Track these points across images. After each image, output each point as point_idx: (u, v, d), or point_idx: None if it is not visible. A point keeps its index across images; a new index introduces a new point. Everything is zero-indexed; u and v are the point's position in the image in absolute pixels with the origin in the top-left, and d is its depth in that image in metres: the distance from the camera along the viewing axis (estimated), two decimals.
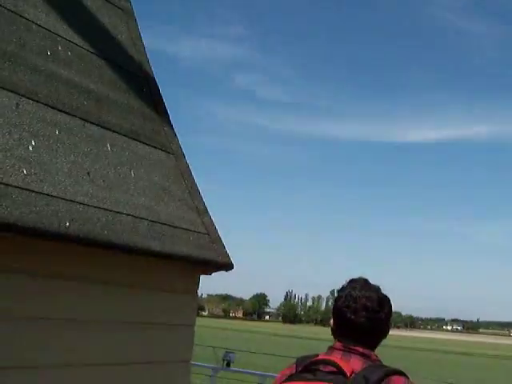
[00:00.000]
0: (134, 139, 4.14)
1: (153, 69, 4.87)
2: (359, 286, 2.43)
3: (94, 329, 3.54)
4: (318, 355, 2.40)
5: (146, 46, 4.93)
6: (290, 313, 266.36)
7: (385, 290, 2.47)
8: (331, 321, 2.49)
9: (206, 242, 4.17)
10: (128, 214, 3.63)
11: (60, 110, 3.63)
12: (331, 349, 2.41)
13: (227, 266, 4.28)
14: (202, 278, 4.38)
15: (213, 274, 4.42)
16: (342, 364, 2.24)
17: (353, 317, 2.36)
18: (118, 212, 3.57)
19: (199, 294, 4.88)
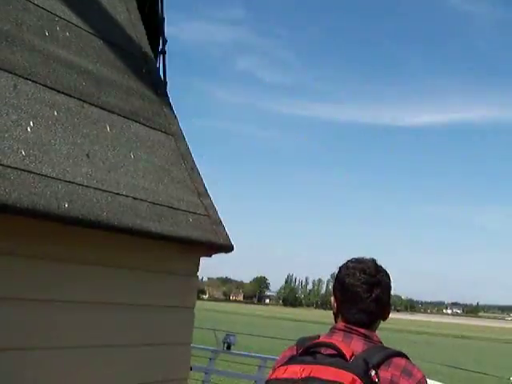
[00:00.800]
0: (133, 120, 4.11)
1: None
2: (355, 259, 2.48)
3: (92, 311, 3.54)
4: (318, 337, 2.40)
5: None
6: (291, 296, 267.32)
7: None
8: (332, 298, 2.49)
9: (206, 223, 4.15)
10: (127, 196, 3.61)
11: (58, 91, 3.60)
12: (333, 330, 2.42)
13: (227, 247, 4.27)
14: (203, 261, 4.37)
15: (213, 257, 4.41)
16: (342, 346, 2.24)
17: (351, 280, 2.38)
18: (117, 193, 3.55)
19: (200, 278, 4.88)
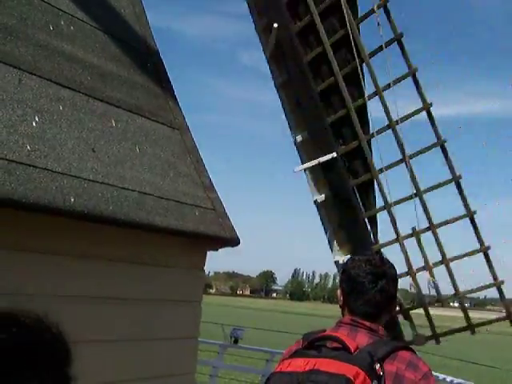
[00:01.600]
0: (138, 114, 4.10)
1: (158, 45, 4.81)
2: (361, 254, 2.52)
3: (98, 305, 3.54)
4: (324, 330, 2.40)
5: (150, 22, 4.87)
6: (298, 290, 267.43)
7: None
8: (338, 291, 2.49)
9: (212, 217, 4.15)
10: (133, 190, 3.61)
11: (63, 86, 3.59)
12: (339, 324, 2.42)
13: (233, 241, 4.26)
14: (209, 255, 4.36)
15: (219, 251, 4.41)
16: (347, 340, 2.24)
17: (357, 271, 2.39)
18: (123, 188, 3.54)
19: (206, 272, 4.87)
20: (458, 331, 5.22)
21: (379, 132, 4.99)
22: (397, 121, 4.91)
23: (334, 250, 5.05)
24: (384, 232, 4.79)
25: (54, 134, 3.32)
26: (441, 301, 5.02)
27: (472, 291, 5.21)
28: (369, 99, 4.98)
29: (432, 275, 4.85)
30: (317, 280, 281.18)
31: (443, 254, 4.89)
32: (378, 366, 2.14)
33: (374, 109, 5.05)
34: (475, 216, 4.92)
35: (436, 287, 4.85)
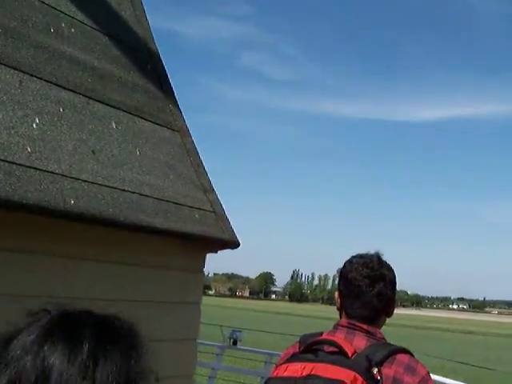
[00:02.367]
0: (138, 116, 4.11)
1: (158, 47, 4.83)
2: (359, 254, 2.48)
3: (96, 307, 3.53)
4: (321, 333, 2.40)
5: (151, 24, 4.88)
6: (297, 292, 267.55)
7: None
8: (336, 293, 2.49)
9: (211, 219, 4.16)
10: (133, 192, 3.62)
11: (64, 88, 3.60)
12: (336, 326, 2.41)
13: (233, 243, 4.27)
14: (209, 256, 4.37)
15: (219, 253, 4.42)
16: (344, 344, 2.23)
17: (354, 274, 2.38)
18: (123, 190, 3.55)
19: (205, 273, 4.88)
20: None
21: None
22: None
23: None
24: None
25: (55, 136, 3.33)
26: None
27: None
28: None
29: None
30: (316, 281, 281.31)
31: None
32: (375, 371, 2.14)
33: None
34: None
35: None
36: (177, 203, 3.93)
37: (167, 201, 3.86)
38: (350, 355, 2.17)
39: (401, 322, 73.11)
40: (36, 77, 3.44)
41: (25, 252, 3.12)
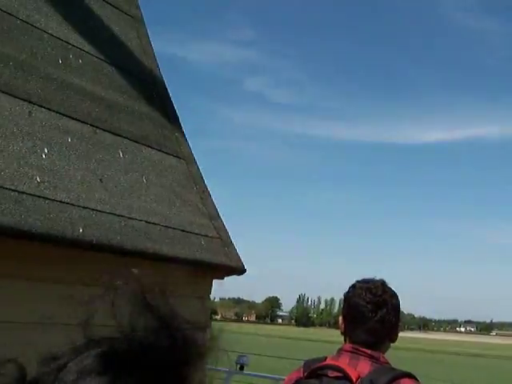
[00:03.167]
0: (145, 145, 4.17)
1: (163, 73, 4.91)
2: (363, 280, 2.50)
3: (105, 333, 3.56)
4: (325, 358, 2.41)
5: (156, 50, 4.97)
6: (303, 316, 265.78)
7: (397, 292, 2.51)
8: (340, 318, 2.51)
9: (217, 246, 4.19)
10: (140, 220, 3.66)
11: (72, 118, 3.67)
12: (340, 351, 2.42)
13: (239, 270, 4.30)
14: (215, 282, 4.39)
15: (225, 278, 4.44)
16: (349, 369, 2.24)
17: (357, 300, 2.40)
18: (130, 218, 3.60)
19: (212, 298, 4.89)
20: None
21: None
22: None
23: None
24: None
25: (63, 166, 3.39)
26: None
27: None
28: None
29: None
30: (322, 305, 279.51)
31: None
32: None
33: None
34: None
35: None
36: (183, 230, 3.97)
37: (174, 228, 3.90)
38: (354, 380, 2.18)
39: (407, 345, 72.48)
40: (45, 107, 3.51)
41: (34, 280, 3.15)
